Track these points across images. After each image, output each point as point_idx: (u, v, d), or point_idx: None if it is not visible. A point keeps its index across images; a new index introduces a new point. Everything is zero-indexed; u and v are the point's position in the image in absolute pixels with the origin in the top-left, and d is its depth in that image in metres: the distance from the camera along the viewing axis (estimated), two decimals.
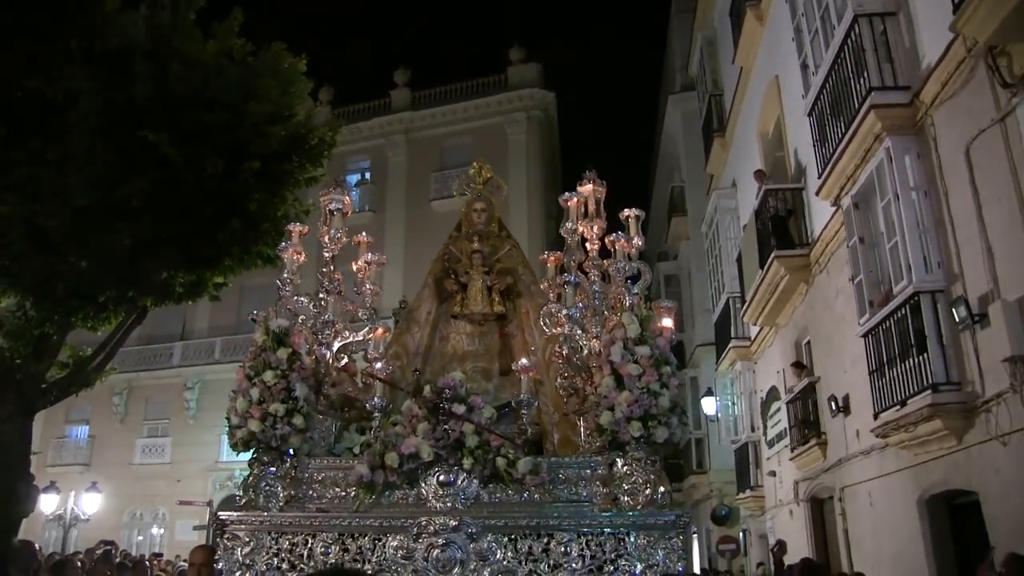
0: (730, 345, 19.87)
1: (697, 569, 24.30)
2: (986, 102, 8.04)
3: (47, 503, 25.14)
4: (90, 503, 26.13)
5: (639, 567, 5.70)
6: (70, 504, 24.95)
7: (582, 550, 5.78)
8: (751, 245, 16.08)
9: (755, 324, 17.81)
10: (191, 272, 14.02)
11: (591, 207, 7.38)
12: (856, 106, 10.16)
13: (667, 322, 6.52)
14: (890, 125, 9.71)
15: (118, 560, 14.56)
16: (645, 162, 39.87)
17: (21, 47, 11.14)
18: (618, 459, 6.03)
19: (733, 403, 21.11)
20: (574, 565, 5.75)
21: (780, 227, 14.54)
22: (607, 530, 5.83)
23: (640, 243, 7.05)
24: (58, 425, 33.75)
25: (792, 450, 14.95)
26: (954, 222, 8.93)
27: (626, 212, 7.16)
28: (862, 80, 10.04)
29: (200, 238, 13.17)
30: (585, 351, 6.79)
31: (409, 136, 34.57)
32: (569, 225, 7.38)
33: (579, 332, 6.86)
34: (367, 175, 34.80)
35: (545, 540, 5.84)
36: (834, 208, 11.98)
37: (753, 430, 18.97)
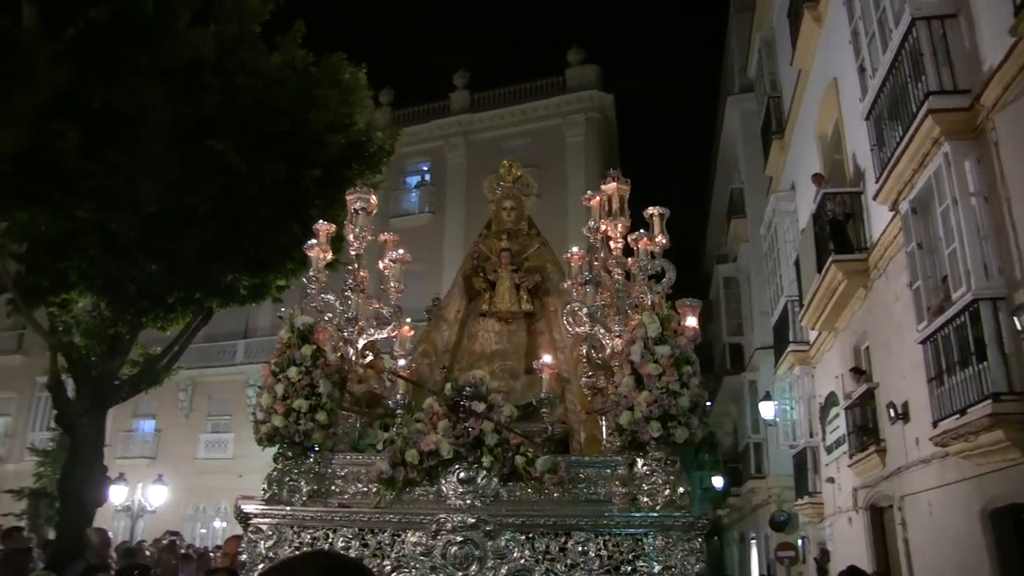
0: (788, 349, 19.70)
1: (756, 575, 24.12)
2: None
3: (116, 494, 25.84)
4: (156, 495, 26.84)
5: (657, 568, 5.58)
6: (137, 496, 25.67)
7: (599, 550, 5.65)
8: (808, 249, 15.93)
9: (813, 328, 17.63)
10: (255, 275, 14.45)
11: (615, 205, 7.21)
12: (914, 110, 10.02)
13: (691, 321, 6.44)
14: (949, 129, 9.56)
15: (183, 551, 14.96)
16: (705, 163, 39.70)
17: (98, 65, 11.48)
18: (638, 459, 5.92)
19: (791, 408, 20.91)
20: (592, 565, 5.64)
21: (838, 231, 14.39)
22: (625, 530, 5.74)
23: (664, 241, 6.84)
24: (126, 419, 34.42)
25: (851, 457, 14.76)
26: (1016, 228, 8.77)
27: (650, 210, 6.97)
28: (920, 84, 9.90)
29: (263, 242, 13.59)
30: (608, 350, 6.68)
31: (468, 138, 34.80)
32: (591, 223, 7.34)
33: (602, 331, 6.76)
34: (427, 177, 35.06)
35: (563, 539, 5.71)
36: (892, 213, 11.81)
37: (812, 435, 18.81)
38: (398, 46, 75.73)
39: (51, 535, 19.54)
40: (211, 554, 14.91)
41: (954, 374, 9.56)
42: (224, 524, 33.02)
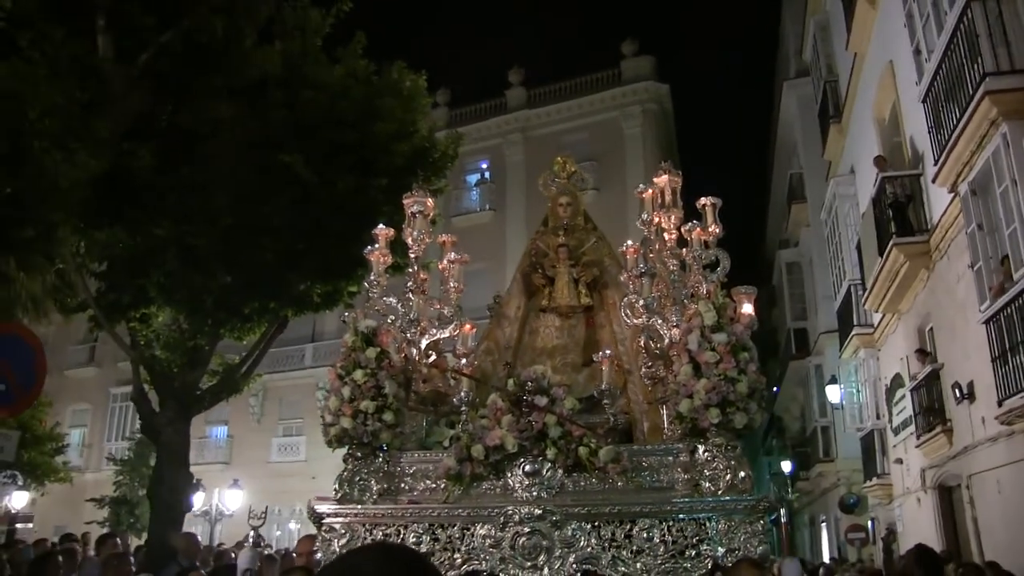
0: (853, 332, 19.79)
1: (826, 558, 24.14)
2: None
3: (194, 499, 26.59)
4: (232, 499, 27.38)
5: (721, 551, 5.76)
6: (214, 500, 26.20)
7: (664, 535, 5.84)
8: (870, 232, 16.00)
9: (876, 311, 17.69)
10: (327, 283, 14.88)
11: (667, 197, 7.34)
12: (971, 92, 10.12)
13: (747, 308, 6.57)
14: (1006, 110, 9.67)
15: (266, 552, 15.52)
16: (763, 149, 39.54)
17: (171, 88, 11.97)
18: (699, 446, 6.09)
19: (857, 391, 20.99)
20: (657, 550, 5.81)
21: (899, 214, 14.46)
22: (688, 515, 5.90)
23: (717, 230, 7.03)
24: (199, 425, 34.86)
25: (918, 438, 14.89)
26: None
27: (703, 200, 7.14)
28: (976, 65, 10.00)
29: (335, 251, 14.00)
30: (666, 340, 6.78)
31: (526, 134, 34.90)
32: (644, 216, 7.37)
33: (659, 321, 6.85)
34: (486, 174, 35.32)
35: (628, 526, 5.90)
36: (952, 194, 11.90)
37: (878, 418, 18.93)
38: (452, 45, 76.18)
39: (131, 541, 20.33)
40: (293, 555, 15.45)
41: (1018, 353, 9.68)
42: (298, 526, 33.59)
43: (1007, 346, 10.00)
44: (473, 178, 35.24)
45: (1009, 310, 9.86)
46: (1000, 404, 10.19)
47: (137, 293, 14.48)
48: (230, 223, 13.14)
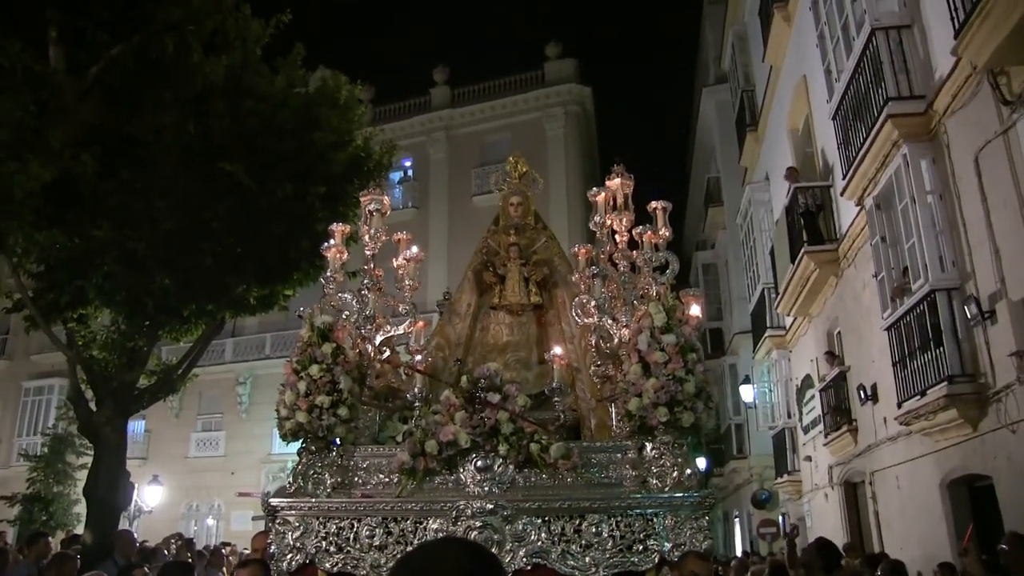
0: (766, 334, 20.38)
1: (739, 552, 24.85)
2: (991, 115, 8.60)
3: (150, 495, 26.46)
4: (152, 495, 27.23)
5: (667, 546, 5.88)
6: (133, 496, 26.01)
7: (612, 530, 5.97)
8: (782, 240, 16.62)
9: (788, 315, 18.34)
10: (264, 286, 15.08)
11: (619, 200, 7.49)
12: (875, 114, 10.72)
13: (695, 310, 6.72)
14: (906, 133, 10.24)
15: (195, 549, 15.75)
16: (682, 151, 40.31)
17: (120, 100, 12.11)
18: (647, 443, 6.20)
19: (770, 390, 21.64)
20: (605, 545, 5.94)
21: (810, 223, 15.04)
22: (636, 511, 6.01)
23: (668, 234, 7.19)
24: None
25: (826, 436, 15.50)
26: (966, 224, 9.50)
27: (654, 204, 7.28)
28: (880, 89, 10.61)
29: (273, 255, 14.25)
30: (616, 340, 6.93)
31: (449, 133, 35.16)
32: (597, 219, 7.54)
33: (609, 321, 7.01)
34: (409, 172, 35.45)
35: (577, 521, 6.01)
36: (858, 208, 12.54)
37: (789, 416, 19.53)
38: (376, 42, 76.06)
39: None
40: (223, 552, 15.62)
41: (915, 358, 10.33)
42: (217, 522, 33.45)
43: (906, 352, 10.63)
44: (396, 175, 35.34)
45: (908, 318, 10.52)
46: (899, 406, 10.80)
47: (76, 294, 14.57)
48: (170, 227, 13.25)
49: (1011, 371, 8.34)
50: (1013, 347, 8.15)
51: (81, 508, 29.06)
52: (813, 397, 16.82)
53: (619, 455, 6.35)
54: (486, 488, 6.21)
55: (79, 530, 25.21)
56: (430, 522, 6.20)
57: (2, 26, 10.32)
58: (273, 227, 13.74)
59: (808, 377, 17.38)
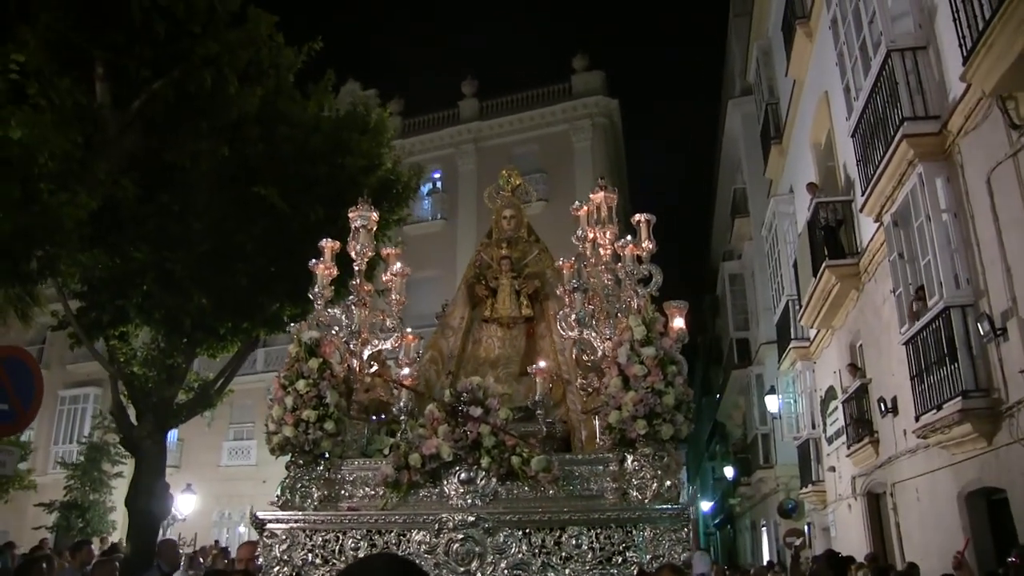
0: (790, 346, 20.54)
1: (765, 561, 24.96)
2: (1002, 137, 8.83)
3: (184, 503, 26.92)
4: (185, 504, 27.62)
5: (647, 558, 5.94)
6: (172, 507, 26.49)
7: (592, 543, 6.06)
8: (805, 253, 16.84)
9: (811, 327, 18.52)
10: (296, 305, 15.53)
11: (603, 213, 7.67)
12: (892, 133, 10.94)
13: (678, 321, 6.87)
14: (922, 152, 10.46)
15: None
16: (709, 162, 40.50)
17: (161, 130, 12.62)
18: (627, 456, 6.26)
19: (795, 401, 21.72)
20: (585, 557, 6.03)
21: (831, 237, 15.26)
22: (616, 523, 6.09)
23: (650, 246, 7.23)
24: None
25: (848, 447, 15.68)
26: (979, 243, 9.72)
27: (637, 216, 7.37)
28: (896, 109, 10.83)
29: (305, 275, 14.61)
30: (599, 352, 7.02)
31: (478, 145, 35.37)
32: (580, 232, 7.79)
33: (593, 334, 7.10)
34: (438, 184, 35.77)
35: (557, 534, 6.10)
36: (877, 223, 12.75)
37: (814, 427, 19.64)
38: (406, 55, 76.80)
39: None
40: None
41: (932, 373, 10.54)
42: (247, 530, 33.82)
43: (923, 366, 10.84)
44: (426, 187, 35.68)
45: (925, 334, 10.73)
46: (917, 419, 11.01)
47: (117, 313, 15.06)
48: (207, 248, 13.81)
49: (1023, 387, 8.55)
50: (1023, 364, 8.36)
51: (116, 515, 29.77)
52: (836, 408, 16.97)
53: (600, 467, 6.47)
54: (468, 500, 6.34)
55: (114, 538, 25.83)
56: (414, 534, 6.32)
57: (54, 65, 10.83)
58: (306, 248, 14.18)
59: (832, 388, 17.51)
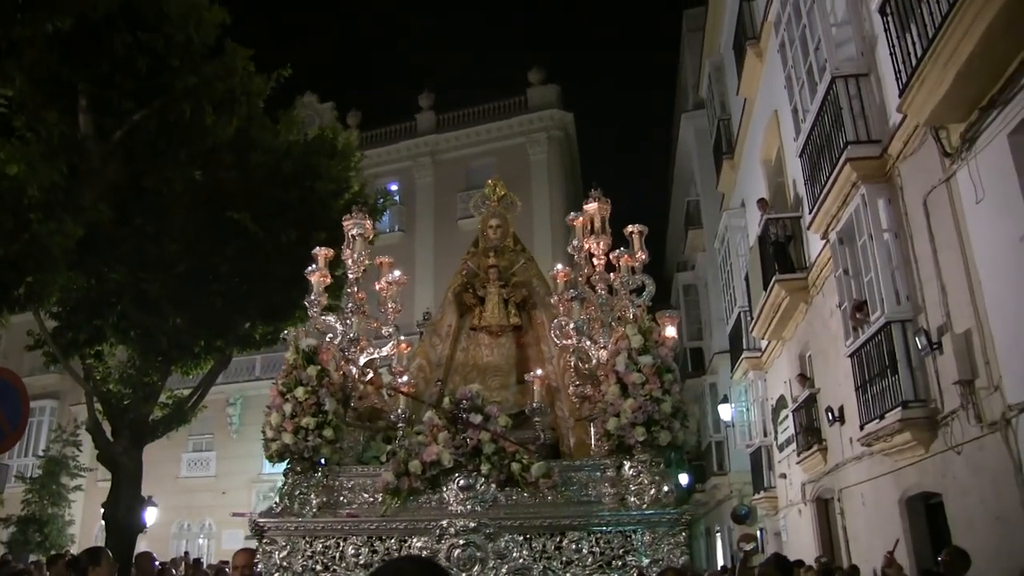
0: (742, 356, 21.03)
1: (719, 566, 25.48)
2: (936, 162, 9.35)
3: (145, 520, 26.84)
4: (147, 516, 27.65)
5: (646, 561, 6.08)
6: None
7: (592, 547, 6.18)
8: (756, 267, 17.37)
9: (763, 338, 19.03)
10: (269, 324, 15.93)
11: (597, 224, 7.79)
12: (836, 155, 11.46)
13: (670, 331, 7.13)
14: (864, 175, 10.93)
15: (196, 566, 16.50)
16: (663, 172, 41.07)
17: (139, 158, 12.98)
18: (625, 462, 6.44)
19: (747, 409, 22.22)
20: (585, 561, 6.15)
21: (781, 252, 15.75)
22: (615, 528, 6.23)
23: (644, 257, 7.49)
24: None
25: (798, 455, 16.15)
26: (918, 261, 10.24)
27: (630, 228, 7.55)
28: (841, 132, 11.35)
29: (278, 295, 15.12)
30: (594, 360, 7.14)
31: (435, 158, 35.83)
32: (575, 242, 7.95)
33: (588, 343, 7.23)
34: (396, 197, 36.09)
35: (558, 539, 6.22)
36: (824, 240, 13.28)
37: (765, 435, 20.13)
38: (363, 67, 76.98)
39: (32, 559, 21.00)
40: (226, 570, 16.36)
41: (874, 384, 11.08)
42: (207, 541, 33.86)
43: (867, 377, 11.38)
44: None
45: (868, 347, 11.27)
46: (862, 427, 11.53)
47: (93, 332, 15.43)
48: (182, 270, 14.24)
49: (956, 398, 9.10)
50: (956, 376, 8.90)
51: (75, 529, 29.67)
52: (787, 417, 17.47)
53: (598, 473, 6.63)
54: (469, 507, 6.47)
55: (75, 551, 25.80)
56: (414, 540, 6.46)
57: (39, 97, 11.16)
58: (278, 269, 14.61)
59: (782, 397, 18.03)
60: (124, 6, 11.05)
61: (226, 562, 19.77)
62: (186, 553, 18.59)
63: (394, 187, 35.55)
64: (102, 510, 21.04)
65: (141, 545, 25.76)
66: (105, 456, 16.33)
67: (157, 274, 14.17)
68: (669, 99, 37.49)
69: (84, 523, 33.15)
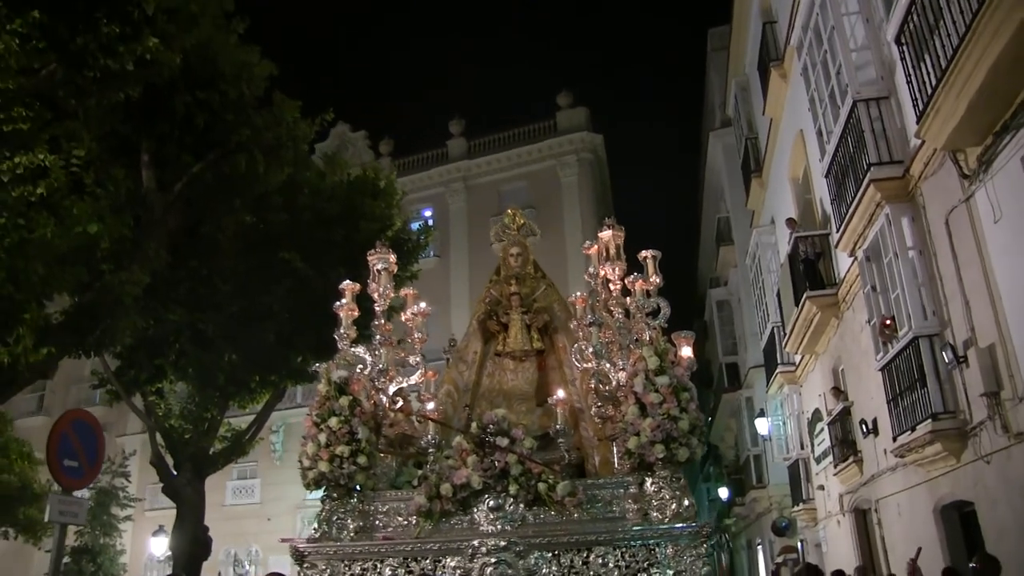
0: (777, 370, 21.31)
1: None
2: (956, 182, 9.71)
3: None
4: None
5: (669, 573, 6.30)
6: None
7: (618, 561, 6.40)
8: (787, 284, 17.69)
9: (796, 353, 19.32)
10: (319, 357, 16.51)
11: (612, 251, 8.00)
12: (861, 176, 11.83)
13: (686, 351, 7.24)
14: (888, 195, 11.31)
15: None
16: (693, 191, 41.37)
17: (197, 208, 13.69)
18: (647, 478, 6.66)
19: (783, 423, 22.44)
20: (612, 575, 6.40)
21: (811, 269, 16.07)
22: (639, 542, 6.43)
23: (658, 280, 7.62)
24: (152, 472, 35.84)
25: (835, 467, 16.43)
26: (942, 278, 10.61)
27: (643, 253, 7.77)
28: (864, 154, 11.72)
29: (328, 330, 15.64)
30: (614, 382, 7.35)
31: (467, 183, 36.40)
32: (591, 270, 8.18)
33: (607, 365, 7.46)
34: (430, 222, 36.57)
35: (584, 554, 6.44)
36: (852, 258, 13.62)
37: (802, 448, 20.34)
38: (395, 95, 78.04)
39: None
40: None
41: (905, 397, 11.42)
42: (253, 567, 34.29)
43: (898, 390, 11.71)
44: (417, 225, 36.51)
45: (898, 361, 11.61)
46: (895, 439, 11.87)
47: (153, 370, 16.15)
48: (235, 309, 14.88)
49: (984, 409, 9.45)
50: (982, 388, 9.26)
51: (126, 558, 30.27)
52: (822, 430, 17.69)
53: (621, 490, 6.89)
54: (499, 526, 6.75)
55: None
56: (448, 560, 6.70)
57: (106, 155, 11.86)
58: (327, 306, 15.19)
59: (817, 411, 18.24)
60: (183, 68, 11.71)
61: None
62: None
63: (428, 213, 36.07)
64: (153, 538, 21.71)
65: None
66: (169, 489, 17.04)
67: (212, 314, 14.94)
68: (697, 116, 37.78)
69: (133, 553, 33.73)
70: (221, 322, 15.24)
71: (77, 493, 8.13)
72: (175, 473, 17.07)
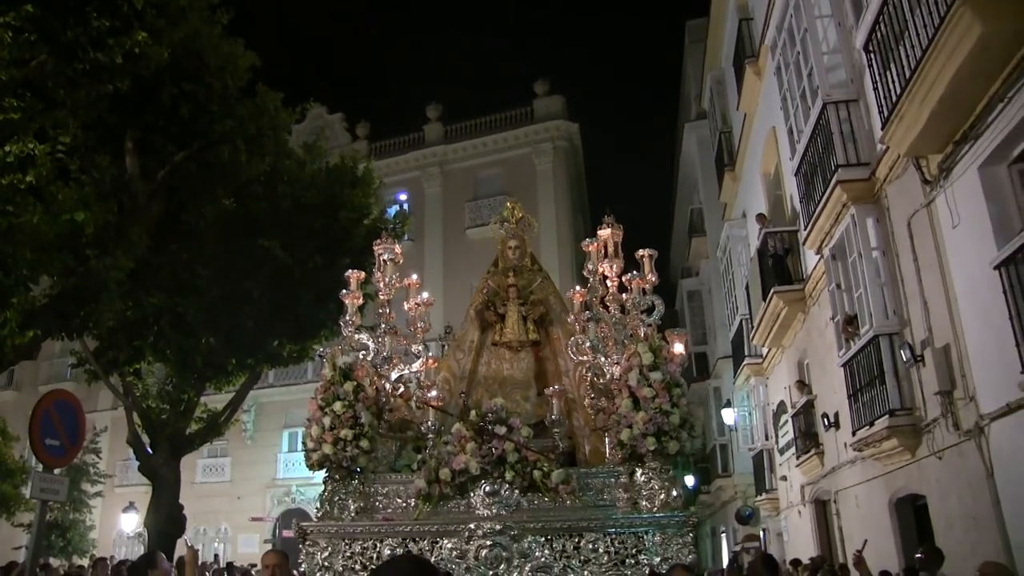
0: (744, 362, 21.66)
1: (725, 565, 26.07)
2: (918, 188, 10.02)
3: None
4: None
5: (656, 560, 6.56)
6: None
7: (608, 547, 6.67)
8: (755, 278, 18.03)
9: (763, 346, 19.66)
10: (297, 343, 16.85)
11: (610, 249, 8.24)
12: (828, 177, 12.10)
13: (679, 348, 7.50)
14: (854, 196, 11.59)
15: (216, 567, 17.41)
16: (668, 179, 41.56)
17: (180, 196, 13.90)
18: (637, 469, 6.91)
19: (749, 414, 22.87)
20: (601, 560, 6.64)
21: (779, 264, 16.39)
22: (628, 529, 6.71)
23: (654, 279, 7.84)
24: (125, 448, 35.76)
25: (797, 458, 16.82)
26: (903, 278, 10.93)
27: (640, 252, 7.95)
28: (832, 155, 11.99)
29: (305, 316, 15.95)
30: (608, 375, 7.56)
31: (443, 168, 36.39)
32: (590, 267, 8.32)
33: (602, 359, 7.67)
34: (406, 206, 36.65)
35: (576, 540, 6.71)
36: (818, 255, 13.91)
37: (767, 439, 20.74)
38: (373, 79, 77.87)
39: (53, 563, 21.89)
40: (252, 572, 17.25)
41: (865, 392, 11.76)
42: (222, 545, 34.34)
43: (858, 386, 12.05)
44: (392, 210, 36.54)
45: (859, 357, 11.93)
46: (854, 433, 12.22)
47: (132, 352, 16.39)
48: (215, 294, 15.11)
49: (938, 407, 9.78)
50: (937, 387, 9.59)
51: (96, 534, 30.36)
52: (786, 422, 18.08)
53: (613, 480, 7.15)
54: (494, 511, 6.98)
55: (97, 555, 26.60)
56: (445, 541, 6.96)
57: (92, 142, 12.03)
58: (305, 292, 15.53)
59: (783, 403, 18.65)
60: (170, 61, 11.91)
61: (253, 565, 20.59)
62: (216, 556, 19.48)
63: (403, 196, 36.06)
64: (123, 514, 21.88)
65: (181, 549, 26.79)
66: (145, 468, 17.28)
67: (192, 298, 15.21)
68: (673, 107, 37.99)
69: (102, 528, 33.77)
70: (201, 306, 15.53)
71: (57, 471, 8.29)
72: (151, 452, 17.28)
